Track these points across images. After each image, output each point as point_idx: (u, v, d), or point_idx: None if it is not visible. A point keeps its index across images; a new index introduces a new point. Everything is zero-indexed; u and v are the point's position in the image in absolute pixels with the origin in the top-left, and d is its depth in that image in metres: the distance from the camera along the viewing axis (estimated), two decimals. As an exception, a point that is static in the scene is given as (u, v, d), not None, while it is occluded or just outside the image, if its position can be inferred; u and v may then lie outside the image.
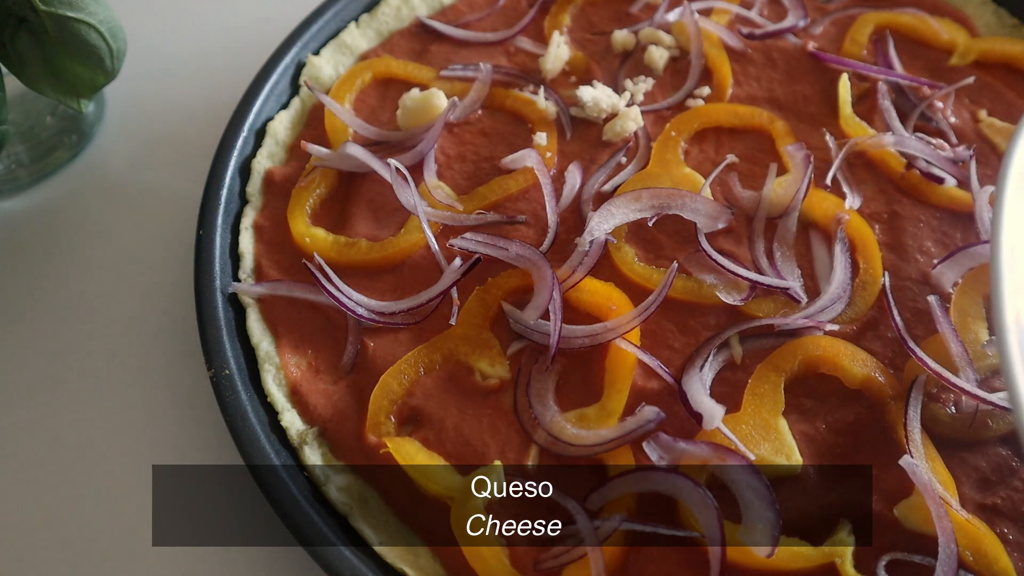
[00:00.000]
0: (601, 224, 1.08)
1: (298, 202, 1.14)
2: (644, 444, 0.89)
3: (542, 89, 1.25)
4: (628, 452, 0.92)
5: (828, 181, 1.13)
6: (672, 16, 1.34)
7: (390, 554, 0.88)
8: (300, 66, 1.30)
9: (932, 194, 1.14)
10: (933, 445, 0.92)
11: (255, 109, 1.22)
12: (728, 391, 0.97)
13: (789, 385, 0.96)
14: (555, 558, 0.86)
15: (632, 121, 1.20)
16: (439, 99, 1.20)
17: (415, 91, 1.22)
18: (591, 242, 1.05)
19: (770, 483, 0.86)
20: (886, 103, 1.22)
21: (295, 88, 1.29)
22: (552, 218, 1.11)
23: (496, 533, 0.88)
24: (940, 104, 1.23)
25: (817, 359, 0.98)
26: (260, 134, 1.22)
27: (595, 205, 1.14)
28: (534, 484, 0.90)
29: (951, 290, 1.04)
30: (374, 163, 1.14)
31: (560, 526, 0.86)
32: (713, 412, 0.90)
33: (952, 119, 1.22)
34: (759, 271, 1.06)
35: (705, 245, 1.05)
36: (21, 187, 1.29)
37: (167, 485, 1.03)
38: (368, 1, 1.39)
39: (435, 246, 1.07)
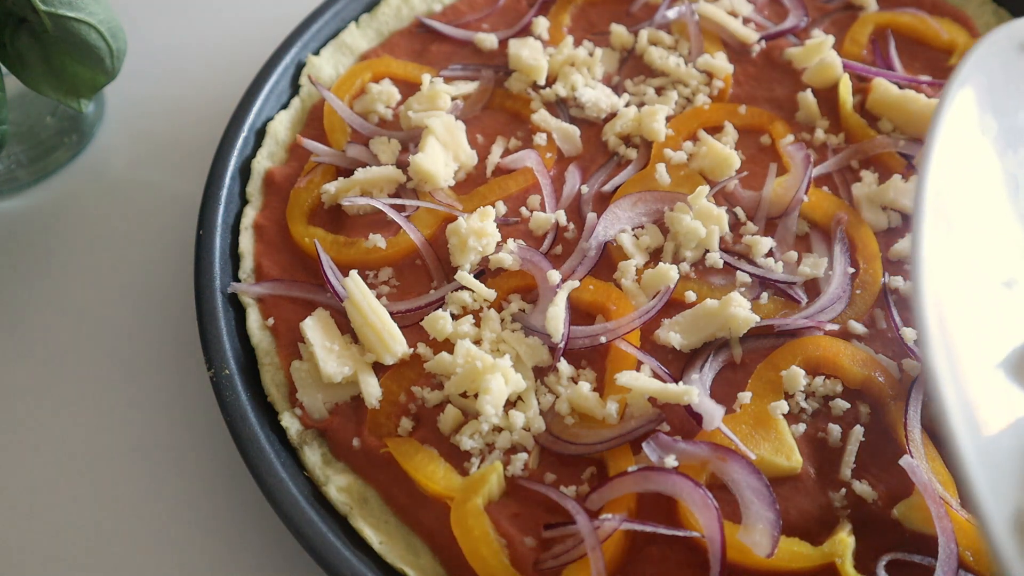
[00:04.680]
0: (608, 228, 1.08)
1: (297, 202, 1.14)
2: (644, 444, 0.89)
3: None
4: (628, 451, 0.92)
5: (812, 177, 1.13)
6: (672, 14, 1.34)
7: (390, 554, 0.89)
8: (300, 66, 1.30)
9: (932, 194, 1.14)
10: (933, 445, 0.92)
11: (255, 109, 1.22)
12: (728, 391, 0.97)
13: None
14: (555, 558, 0.86)
15: (632, 121, 1.20)
16: (442, 100, 1.21)
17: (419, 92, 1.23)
18: (595, 245, 1.06)
19: (770, 483, 0.86)
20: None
21: (295, 88, 1.29)
22: (552, 219, 1.11)
23: (496, 533, 0.88)
24: (940, 104, 1.23)
25: (817, 359, 0.98)
26: (260, 134, 1.22)
27: (595, 206, 1.14)
28: (534, 484, 0.90)
29: (951, 290, 1.04)
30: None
31: (560, 526, 0.86)
32: (713, 412, 0.90)
33: (952, 119, 1.22)
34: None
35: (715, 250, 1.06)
36: (21, 187, 1.30)
37: (167, 485, 1.03)
38: (368, 1, 1.39)
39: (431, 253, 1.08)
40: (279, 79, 1.27)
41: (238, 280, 1.09)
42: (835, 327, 1.00)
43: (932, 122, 0.84)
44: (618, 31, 1.33)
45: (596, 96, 1.23)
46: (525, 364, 0.99)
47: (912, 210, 0.78)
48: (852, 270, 1.06)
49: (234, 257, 1.11)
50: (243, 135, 1.20)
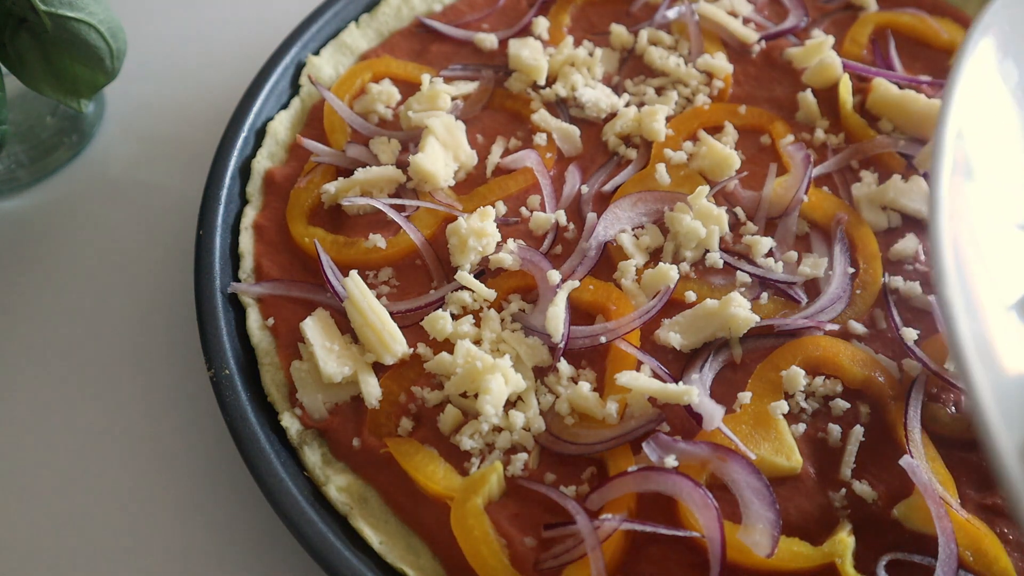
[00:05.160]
0: (608, 228, 1.08)
1: (297, 202, 1.14)
2: (644, 444, 0.89)
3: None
4: (628, 451, 0.92)
5: (812, 177, 1.13)
6: (672, 14, 1.34)
7: (390, 554, 0.89)
8: (300, 66, 1.30)
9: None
10: (933, 445, 0.92)
11: (255, 109, 1.22)
12: (728, 391, 0.97)
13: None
14: (555, 558, 0.86)
15: (632, 121, 1.20)
16: (442, 100, 1.21)
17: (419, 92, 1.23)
18: (595, 244, 1.06)
19: (770, 483, 0.86)
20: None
21: (295, 88, 1.29)
22: (552, 219, 1.11)
23: (496, 533, 0.88)
24: (940, 104, 1.23)
25: (817, 359, 0.98)
26: (260, 134, 1.22)
27: (595, 205, 1.14)
28: (534, 484, 0.90)
29: (951, 290, 1.04)
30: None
31: (560, 526, 0.86)
32: (713, 413, 0.90)
33: (952, 119, 1.22)
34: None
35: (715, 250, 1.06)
36: (21, 187, 1.29)
37: (167, 485, 1.03)
38: (368, 1, 1.39)
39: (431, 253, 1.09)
40: (279, 79, 1.27)
41: (238, 280, 1.09)
42: (835, 327, 1.00)
43: (953, 66, 0.84)
44: (618, 31, 1.33)
45: (596, 96, 1.23)
46: (525, 364, 0.99)
47: (932, 151, 0.79)
48: (852, 270, 1.06)
49: (234, 257, 1.11)
50: (243, 135, 1.20)
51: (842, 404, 0.96)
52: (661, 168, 1.14)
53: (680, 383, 0.94)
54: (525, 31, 1.35)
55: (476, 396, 0.93)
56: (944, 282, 0.71)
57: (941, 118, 0.80)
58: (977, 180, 0.81)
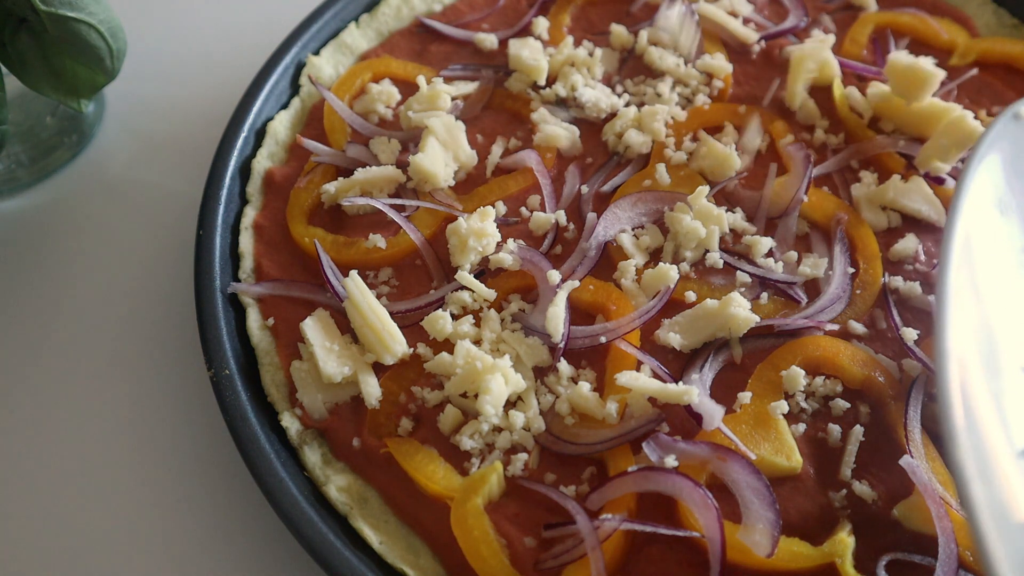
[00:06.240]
0: (608, 228, 1.08)
1: (297, 202, 1.14)
2: (644, 444, 0.89)
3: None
4: (628, 451, 0.92)
5: (812, 177, 1.12)
6: (672, 14, 1.34)
7: (390, 554, 0.89)
8: (300, 66, 1.30)
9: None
10: (933, 445, 0.92)
11: (255, 109, 1.22)
12: (728, 391, 0.97)
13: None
14: (555, 558, 0.86)
15: (632, 121, 1.20)
16: (442, 100, 1.21)
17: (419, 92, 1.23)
18: (595, 245, 1.06)
19: (770, 483, 0.86)
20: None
21: (295, 88, 1.29)
22: (552, 219, 1.11)
23: (496, 533, 0.88)
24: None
25: (817, 359, 0.98)
26: (260, 134, 1.22)
27: (595, 205, 1.14)
28: (534, 484, 0.90)
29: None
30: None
31: (560, 526, 0.86)
32: (713, 413, 0.90)
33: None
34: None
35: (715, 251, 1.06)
36: (21, 187, 1.29)
37: (167, 485, 1.03)
38: (368, 1, 1.39)
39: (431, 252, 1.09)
40: (279, 79, 1.27)
41: (238, 280, 1.09)
42: (835, 327, 1.00)
43: (953, 200, 0.84)
44: (618, 31, 1.33)
45: (596, 96, 1.23)
46: (525, 364, 0.99)
47: (935, 294, 0.77)
48: (852, 270, 1.06)
49: (234, 257, 1.11)
50: (243, 135, 1.20)
51: (842, 404, 0.96)
52: (661, 168, 1.14)
53: (680, 383, 0.94)
54: (525, 31, 1.35)
55: (476, 396, 0.93)
56: (955, 443, 0.69)
57: (943, 256, 0.79)
58: (980, 318, 0.80)
